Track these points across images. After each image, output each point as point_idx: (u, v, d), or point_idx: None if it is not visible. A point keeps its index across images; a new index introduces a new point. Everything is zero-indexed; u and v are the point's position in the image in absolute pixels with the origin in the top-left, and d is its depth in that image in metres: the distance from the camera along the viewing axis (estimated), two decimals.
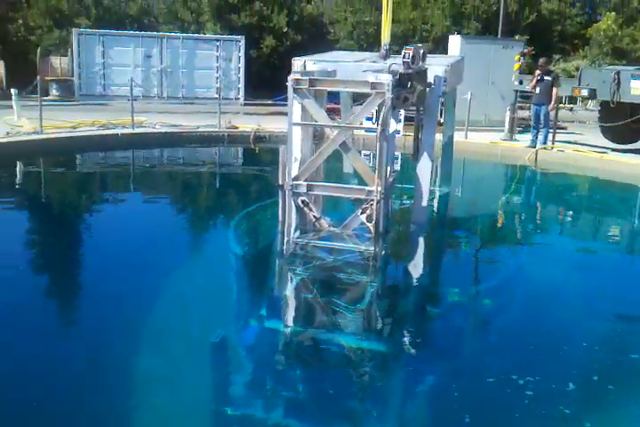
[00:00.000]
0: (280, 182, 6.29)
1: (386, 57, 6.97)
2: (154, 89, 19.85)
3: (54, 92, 19.57)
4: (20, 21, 22.51)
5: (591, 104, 20.02)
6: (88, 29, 20.09)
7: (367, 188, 6.01)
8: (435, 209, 8.88)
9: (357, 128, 6.32)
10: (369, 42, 22.42)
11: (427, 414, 4.14)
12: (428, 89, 6.73)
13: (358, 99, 7.37)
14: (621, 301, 5.96)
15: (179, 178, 11.54)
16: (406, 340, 5.07)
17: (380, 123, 5.77)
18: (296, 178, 6.17)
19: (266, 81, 19.80)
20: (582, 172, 12.03)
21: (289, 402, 4.05)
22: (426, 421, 4.08)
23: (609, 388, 4.35)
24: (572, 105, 20.44)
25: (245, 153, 14.31)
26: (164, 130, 13.86)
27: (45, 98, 16.61)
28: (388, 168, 6.13)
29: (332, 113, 12.38)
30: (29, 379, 4.14)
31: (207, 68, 20.17)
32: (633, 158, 12.09)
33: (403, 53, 6.02)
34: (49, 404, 3.95)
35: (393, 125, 6.27)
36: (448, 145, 9.12)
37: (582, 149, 12.97)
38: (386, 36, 6.96)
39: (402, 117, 12.25)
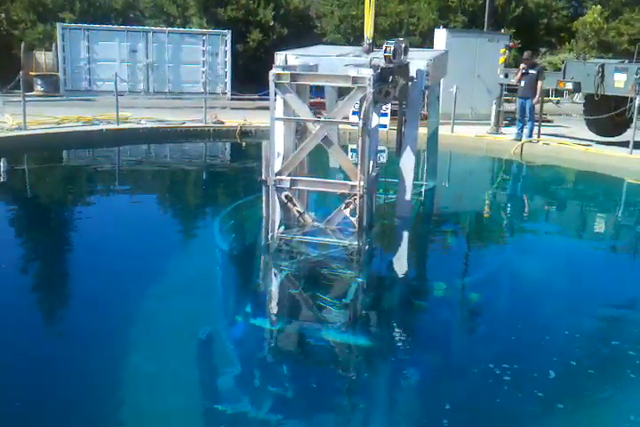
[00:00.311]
0: (263, 178, 6.29)
1: (369, 51, 6.96)
2: (140, 84, 19.74)
3: (39, 87, 19.39)
4: (3, 15, 22.25)
5: (577, 97, 20.08)
6: (72, 24, 19.92)
7: (350, 182, 6.01)
8: (421, 203, 8.89)
9: (338, 123, 6.31)
10: (356, 35, 22.36)
11: (413, 408, 4.16)
12: (410, 83, 6.72)
13: (344, 93, 7.36)
14: (605, 293, 6.02)
15: (163, 174, 11.46)
16: (392, 334, 5.08)
17: (361, 117, 5.77)
18: (279, 173, 6.17)
19: (253, 75, 19.73)
20: (567, 164, 12.09)
21: (277, 398, 4.06)
22: (413, 414, 4.10)
23: (589, 375, 4.42)
24: (558, 98, 20.50)
25: (231, 148, 14.26)
26: (149, 125, 13.79)
27: (30, 93, 16.50)
28: (372, 162, 6.14)
29: (317, 107, 12.40)
30: (15, 378, 4.14)
31: (194, 62, 20.08)
32: (617, 151, 12.16)
33: (384, 48, 6.02)
34: (39, 403, 3.93)
35: (375, 120, 6.26)
36: (432, 139, 9.13)
37: (567, 142, 13.04)
38: (369, 31, 6.94)
39: (388, 111, 12.26)
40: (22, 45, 20.26)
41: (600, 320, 5.44)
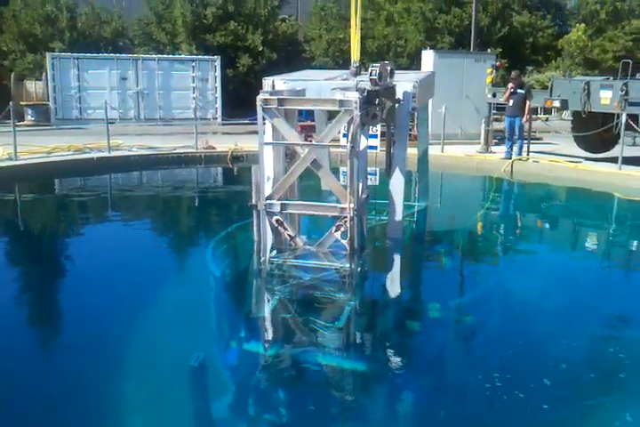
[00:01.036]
0: (253, 202, 6.28)
1: (356, 74, 7.02)
2: (131, 111, 19.86)
3: (29, 117, 19.45)
4: None
5: (566, 114, 20.24)
6: (62, 53, 20.05)
7: (340, 205, 6.02)
8: (413, 224, 8.88)
9: (325, 146, 6.34)
10: (344, 58, 22.59)
11: None
12: (397, 105, 6.77)
13: (334, 116, 7.43)
14: (600, 314, 5.96)
15: (155, 201, 11.46)
16: (387, 357, 5.04)
17: (349, 140, 5.80)
18: (269, 197, 6.16)
19: (243, 100, 19.84)
20: (557, 182, 12.15)
21: (272, 423, 4.03)
22: None
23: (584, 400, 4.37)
24: (547, 116, 20.65)
25: (222, 173, 14.29)
26: (140, 152, 13.81)
27: (20, 123, 16.55)
28: (361, 185, 6.15)
29: (308, 130, 12.46)
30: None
31: (184, 88, 20.24)
32: (606, 167, 12.23)
33: (369, 71, 6.08)
34: None
35: (364, 142, 6.29)
36: (423, 159, 9.16)
37: (557, 159, 13.11)
38: (355, 54, 7.01)
39: (378, 133, 12.33)
40: (12, 75, 20.38)
41: (596, 342, 5.37)
